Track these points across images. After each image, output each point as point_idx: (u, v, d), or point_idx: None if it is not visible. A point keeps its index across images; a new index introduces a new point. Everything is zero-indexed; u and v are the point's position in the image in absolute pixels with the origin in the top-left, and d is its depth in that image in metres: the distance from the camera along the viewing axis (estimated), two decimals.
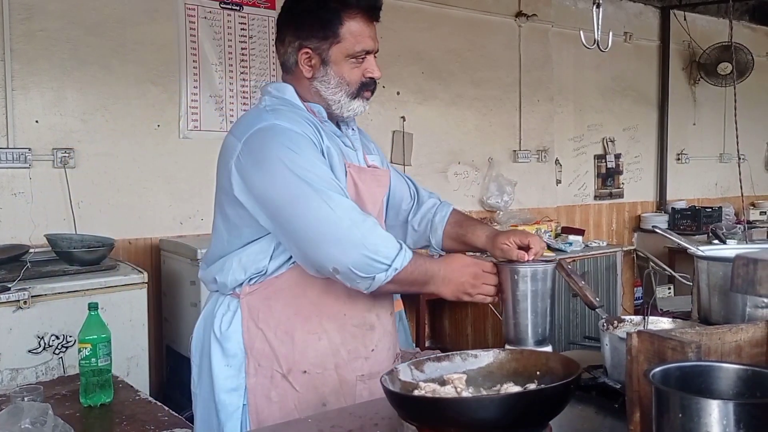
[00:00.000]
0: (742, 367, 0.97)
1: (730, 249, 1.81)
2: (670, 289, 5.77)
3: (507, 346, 1.49)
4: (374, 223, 1.48)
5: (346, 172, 1.57)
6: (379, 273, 1.43)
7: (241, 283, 1.58)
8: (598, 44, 2.29)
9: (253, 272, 1.57)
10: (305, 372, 1.57)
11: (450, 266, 1.53)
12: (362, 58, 1.58)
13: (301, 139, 1.50)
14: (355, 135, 1.71)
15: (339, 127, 1.67)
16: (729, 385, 0.96)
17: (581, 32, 2.40)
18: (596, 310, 1.55)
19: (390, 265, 1.43)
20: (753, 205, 6.82)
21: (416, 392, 1.16)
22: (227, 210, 1.59)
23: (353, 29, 1.56)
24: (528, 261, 1.58)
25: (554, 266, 1.58)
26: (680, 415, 0.86)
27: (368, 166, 1.70)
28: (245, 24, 4.08)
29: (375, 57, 1.62)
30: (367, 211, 1.55)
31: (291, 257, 1.55)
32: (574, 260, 4.65)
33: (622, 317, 1.55)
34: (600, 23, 2.22)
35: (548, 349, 1.49)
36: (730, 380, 0.96)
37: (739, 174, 2.36)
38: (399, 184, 1.87)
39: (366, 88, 1.61)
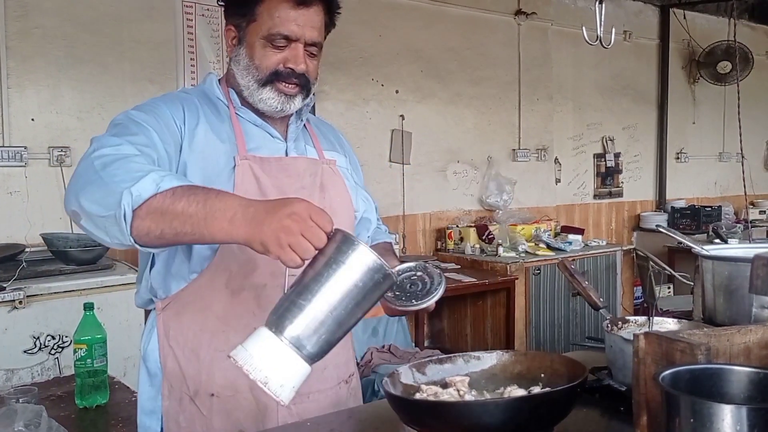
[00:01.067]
0: (754, 370, 0.95)
1: (735, 248, 1.79)
2: (669, 288, 5.76)
3: (263, 329, 1.05)
4: (127, 154, 1.22)
5: (234, 163, 1.39)
6: (122, 201, 1.11)
7: (152, 299, 1.47)
8: (600, 41, 2.26)
9: (157, 288, 1.45)
10: (213, 395, 1.40)
11: (260, 204, 1.10)
12: (281, 44, 1.39)
13: (147, 106, 1.40)
14: (299, 126, 1.53)
15: (270, 118, 1.50)
16: (740, 388, 0.94)
17: (583, 28, 2.37)
18: (600, 310, 1.53)
19: (132, 186, 1.12)
20: (752, 204, 6.81)
21: (418, 395, 1.13)
22: None
23: (271, 9, 1.38)
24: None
25: (394, 281, 1.09)
26: (692, 420, 0.84)
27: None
28: None
29: (311, 48, 1.43)
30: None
31: (193, 269, 1.40)
32: (573, 260, 4.63)
33: (626, 318, 1.52)
34: (602, 19, 2.19)
35: (306, 369, 1.04)
36: (741, 383, 0.94)
37: (743, 173, 2.34)
38: (367, 204, 1.69)
39: (282, 78, 1.40)
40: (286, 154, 1.49)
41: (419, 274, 1.32)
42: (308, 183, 1.48)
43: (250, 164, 1.40)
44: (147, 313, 1.59)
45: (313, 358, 1.04)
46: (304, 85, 1.44)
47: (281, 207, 1.05)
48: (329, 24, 1.48)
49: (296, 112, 1.50)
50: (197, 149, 1.39)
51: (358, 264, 1.03)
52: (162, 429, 1.46)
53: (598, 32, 2.25)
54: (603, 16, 2.19)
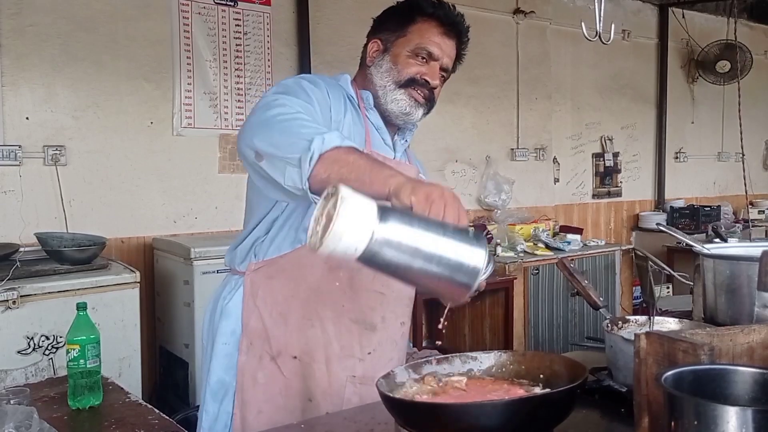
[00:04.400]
0: (758, 370, 0.93)
1: (737, 247, 1.77)
2: (668, 288, 5.74)
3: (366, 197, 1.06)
4: (305, 116, 1.34)
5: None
6: (304, 152, 1.20)
7: (246, 261, 1.58)
8: (599, 37, 2.24)
9: (257, 250, 1.57)
10: (295, 357, 1.53)
11: (421, 180, 1.22)
12: (424, 59, 1.60)
13: (312, 83, 1.51)
14: (404, 145, 1.73)
15: (389, 126, 1.68)
16: (745, 389, 0.91)
17: (582, 24, 2.35)
18: (599, 310, 1.51)
19: (314, 139, 1.21)
20: (751, 204, 6.79)
21: (416, 397, 1.11)
22: (248, 192, 1.62)
23: (422, 31, 1.61)
24: None
25: (467, 290, 1.13)
26: (695, 422, 0.82)
27: None
28: (240, 20, 4.03)
29: (443, 72, 1.64)
30: None
31: (295, 237, 1.52)
32: (572, 259, 4.60)
33: (627, 317, 1.50)
34: (602, 15, 2.17)
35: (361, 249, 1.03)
36: (746, 384, 0.92)
37: (743, 172, 2.31)
38: None
39: (417, 85, 1.60)
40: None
41: None
42: None
43: (375, 155, 1.52)
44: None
45: (368, 255, 1.04)
46: (430, 99, 1.64)
47: (440, 185, 1.16)
48: (457, 60, 1.69)
49: (400, 131, 1.70)
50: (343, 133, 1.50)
51: (470, 253, 1.07)
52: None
53: (598, 28, 2.23)
54: (602, 12, 2.17)
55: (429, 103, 1.64)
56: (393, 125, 1.68)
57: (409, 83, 1.60)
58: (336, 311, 1.54)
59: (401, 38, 1.62)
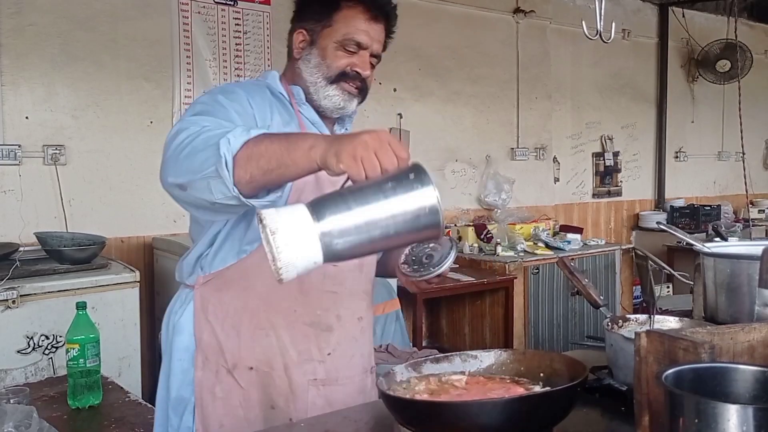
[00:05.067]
0: (759, 369, 0.92)
1: (737, 246, 1.77)
2: (668, 287, 5.73)
3: (300, 205, 1.04)
4: (214, 127, 1.27)
5: None
6: (221, 150, 1.16)
7: (194, 274, 1.55)
8: (600, 35, 2.24)
9: (203, 264, 1.53)
10: (251, 368, 1.50)
11: (345, 135, 1.16)
12: (352, 50, 1.53)
13: (229, 93, 1.46)
14: (343, 133, 1.63)
15: (326, 120, 1.61)
16: (746, 388, 0.91)
17: (583, 22, 2.34)
18: (600, 308, 1.50)
19: (221, 140, 1.17)
20: (752, 203, 6.78)
21: (416, 396, 1.10)
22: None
23: (348, 18, 1.53)
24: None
25: (437, 231, 1.09)
26: (696, 421, 0.81)
27: None
28: (239, 19, 4.03)
29: (373, 59, 1.57)
30: (323, 190, 1.40)
31: (240, 249, 1.49)
32: (572, 259, 4.60)
33: (627, 316, 1.50)
34: (602, 14, 2.17)
35: (318, 258, 1.02)
36: (747, 383, 0.91)
37: (744, 171, 2.31)
38: None
39: (347, 78, 1.54)
40: None
41: (432, 244, 1.42)
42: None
43: None
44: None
45: (330, 256, 1.02)
46: (363, 89, 1.58)
47: (362, 131, 1.11)
48: (385, 45, 1.62)
49: (339, 121, 1.64)
50: None
51: (420, 197, 1.04)
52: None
53: (598, 26, 2.22)
54: (603, 9, 2.17)
55: (362, 92, 1.58)
56: (329, 117, 1.62)
57: (340, 77, 1.54)
58: (288, 318, 1.51)
59: (327, 28, 1.54)
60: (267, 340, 1.49)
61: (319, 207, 1.02)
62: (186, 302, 1.55)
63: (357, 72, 1.54)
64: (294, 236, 0.99)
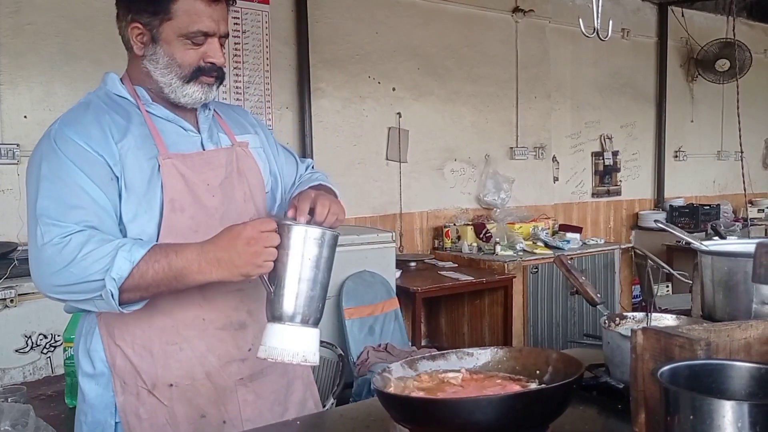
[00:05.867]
0: (755, 365, 0.92)
1: (735, 244, 1.77)
2: (668, 287, 5.73)
3: (269, 324, 1.30)
4: (85, 240, 1.30)
5: (158, 164, 1.41)
6: (101, 290, 1.28)
7: None
8: (597, 33, 2.24)
9: None
10: (172, 385, 1.45)
11: (217, 243, 1.31)
12: (200, 41, 1.43)
13: (68, 149, 1.37)
14: (208, 116, 1.56)
15: (184, 110, 1.52)
16: (741, 384, 0.90)
17: (580, 20, 2.34)
18: (597, 306, 1.50)
19: (104, 278, 1.27)
20: (751, 202, 6.78)
21: (412, 394, 1.10)
22: None
23: (187, 7, 1.40)
24: (306, 221, 1.37)
25: (336, 234, 1.33)
26: (691, 417, 0.81)
27: (234, 146, 1.57)
28: (238, 19, 4.02)
29: (222, 40, 1.47)
30: (199, 197, 1.44)
31: None
32: (572, 258, 4.60)
33: (624, 314, 1.49)
34: (600, 11, 2.17)
35: (315, 331, 1.30)
36: (742, 379, 0.90)
37: (742, 171, 2.31)
38: (286, 162, 1.73)
39: (205, 73, 1.45)
40: (203, 146, 1.52)
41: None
42: (229, 172, 1.53)
43: (173, 162, 1.43)
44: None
45: (315, 322, 1.31)
46: (221, 75, 1.49)
47: (235, 239, 1.29)
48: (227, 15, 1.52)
49: (201, 108, 1.54)
50: (126, 166, 1.40)
51: (297, 239, 1.30)
52: (118, 422, 1.46)
53: (596, 24, 2.22)
54: (600, 8, 2.16)
55: (219, 79, 1.49)
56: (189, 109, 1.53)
57: (197, 73, 1.44)
58: (198, 327, 1.46)
59: (167, 21, 1.40)
60: (182, 354, 1.45)
61: (273, 314, 1.30)
62: (91, 328, 1.47)
63: (212, 63, 1.45)
64: (294, 344, 1.28)
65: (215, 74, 1.47)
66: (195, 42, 1.42)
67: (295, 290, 1.28)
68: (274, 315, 1.29)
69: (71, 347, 1.99)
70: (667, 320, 1.46)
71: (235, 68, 4.01)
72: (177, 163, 1.43)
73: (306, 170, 1.78)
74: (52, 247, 1.29)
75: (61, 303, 1.41)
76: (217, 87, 1.51)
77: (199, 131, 1.53)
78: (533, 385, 1.11)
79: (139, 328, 1.44)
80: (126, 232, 1.38)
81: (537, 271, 4.55)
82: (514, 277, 4.40)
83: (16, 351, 2.75)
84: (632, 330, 1.07)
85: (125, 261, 1.27)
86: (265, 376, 1.54)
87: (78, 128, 1.40)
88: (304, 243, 1.29)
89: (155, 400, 1.44)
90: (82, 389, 1.48)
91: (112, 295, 1.27)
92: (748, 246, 1.62)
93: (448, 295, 4.49)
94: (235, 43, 4.01)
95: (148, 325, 1.44)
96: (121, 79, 1.52)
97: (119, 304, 1.30)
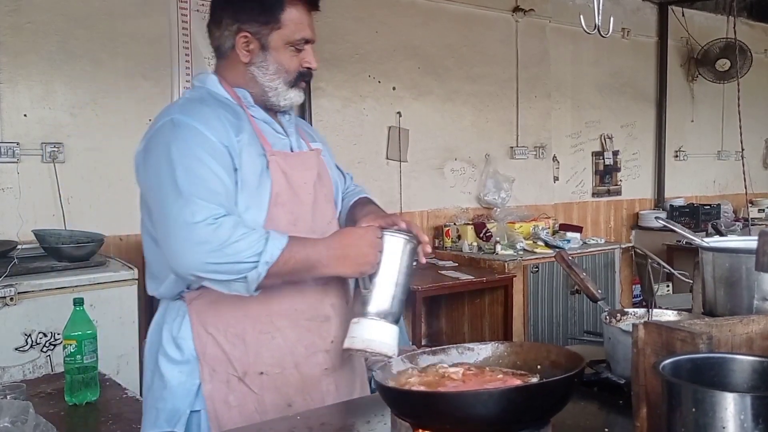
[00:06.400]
0: (757, 359, 0.91)
1: (735, 240, 1.76)
2: (668, 286, 5.73)
3: (363, 320, 1.43)
4: (235, 224, 1.38)
5: (267, 160, 1.51)
6: (249, 271, 1.36)
7: (180, 290, 1.53)
8: (598, 29, 2.23)
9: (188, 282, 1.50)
10: (262, 373, 1.51)
11: (342, 242, 1.47)
12: (301, 47, 1.56)
13: (195, 137, 1.44)
14: (291, 122, 1.66)
15: (272, 114, 1.62)
16: (744, 378, 0.90)
17: (581, 16, 2.34)
18: (598, 302, 1.50)
19: (259, 260, 1.35)
20: (751, 202, 6.78)
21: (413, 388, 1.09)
22: (145, 215, 1.55)
23: (294, 16, 1.54)
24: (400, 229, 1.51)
25: (414, 244, 1.50)
26: (693, 410, 0.80)
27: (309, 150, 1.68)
28: None
29: (312, 48, 1.60)
30: (298, 193, 1.54)
31: None
32: (572, 257, 4.60)
33: (625, 310, 1.49)
34: (601, 7, 2.16)
35: (397, 328, 1.46)
36: (744, 373, 0.90)
37: (743, 170, 2.30)
38: (338, 178, 1.81)
39: (303, 78, 1.59)
40: (291, 148, 1.62)
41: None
42: (317, 174, 1.64)
43: (277, 160, 1.54)
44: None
45: (396, 319, 1.45)
46: (310, 80, 1.62)
47: (359, 240, 1.46)
48: None
49: (280, 112, 1.64)
50: (243, 160, 1.49)
51: (397, 247, 1.46)
52: (199, 410, 1.51)
53: (596, 20, 2.21)
54: (601, 5, 2.16)
55: (308, 83, 1.65)
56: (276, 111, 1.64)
57: (300, 79, 1.58)
58: (290, 317, 1.54)
59: (276, 31, 1.53)
60: (273, 343, 1.52)
61: (364, 309, 1.45)
62: (180, 315, 1.53)
63: (309, 68, 1.58)
64: (379, 337, 1.42)
65: (309, 78, 1.60)
66: (297, 49, 1.55)
67: (391, 292, 1.44)
68: (369, 311, 1.42)
69: (71, 344, 1.98)
70: (669, 316, 1.46)
71: None
72: (280, 160, 1.54)
73: (351, 182, 1.90)
74: (207, 227, 1.35)
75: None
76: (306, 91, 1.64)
77: (287, 134, 1.63)
78: (534, 380, 1.10)
79: (234, 317, 1.51)
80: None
81: (537, 271, 4.55)
82: (515, 276, 4.40)
83: (16, 349, 2.75)
84: (634, 324, 1.07)
85: (276, 248, 1.36)
86: (342, 369, 1.62)
87: (200, 119, 1.47)
88: (402, 251, 1.46)
89: (245, 387, 1.50)
90: (164, 376, 1.52)
91: (259, 277, 1.36)
92: (749, 242, 1.62)
93: (448, 294, 4.48)
94: None
95: (243, 314, 1.51)
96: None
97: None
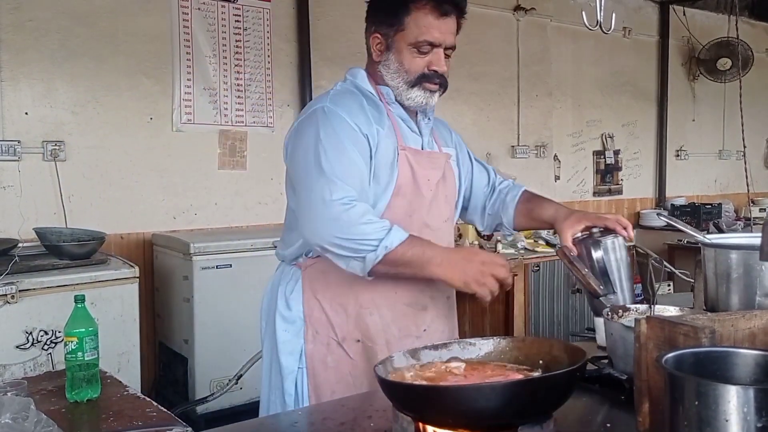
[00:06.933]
0: (760, 352, 0.91)
1: (737, 237, 1.76)
2: (669, 285, 5.72)
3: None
4: (366, 210, 1.52)
5: (397, 153, 1.64)
6: (369, 252, 1.47)
7: (299, 256, 1.70)
8: (600, 26, 2.23)
9: (308, 251, 1.67)
10: (359, 341, 1.65)
11: (457, 253, 1.57)
12: (426, 50, 1.63)
13: (341, 125, 1.57)
14: (428, 124, 1.77)
15: (411, 113, 1.73)
16: (746, 371, 0.90)
17: (583, 13, 2.34)
18: (600, 298, 1.50)
19: (378, 245, 1.46)
20: (753, 201, 6.77)
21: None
22: (290, 189, 1.71)
23: (419, 20, 1.62)
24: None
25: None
26: (696, 403, 0.80)
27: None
28: (240, 16, 4.02)
29: (448, 51, 1.67)
30: (419, 188, 1.66)
31: None
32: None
33: (627, 306, 1.49)
34: (602, 5, 2.16)
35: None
36: (747, 367, 0.90)
37: (745, 170, 2.30)
38: (479, 173, 1.98)
39: (428, 80, 1.65)
40: (422, 146, 1.74)
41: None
42: (442, 174, 1.77)
43: (406, 154, 1.66)
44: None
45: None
46: (443, 83, 1.69)
47: (474, 256, 1.53)
48: (459, 28, 1.72)
49: (421, 111, 1.75)
50: (379, 150, 1.64)
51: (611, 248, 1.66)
52: (301, 367, 1.67)
53: (598, 17, 2.21)
54: (603, 2, 2.16)
55: (442, 86, 1.69)
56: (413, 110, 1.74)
57: (421, 79, 1.65)
58: (390, 298, 1.66)
59: (400, 32, 1.63)
60: (371, 318, 1.65)
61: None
62: (293, 279, 1.69)
63: (434, 70, 1.65)
64: None
65: (438, 82, 1.67)
66: (421, 51, 1.63)
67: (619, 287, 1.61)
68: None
69: (72, 341, 1.98)
70: (670, 311, 1.46)
71: (236, 66, 4.01)
72: (409, 155, 1.67)
73: (497, 178, 2.03)
74: (341, 206, 1.49)
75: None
76: (440, 94, 1.71)
77: (420, 134, 1.74)
78: (536, 375, 1.10)
79: (340, 288, 1.65)
80: None
81: (538, 270, 4.54)
82: (516, 275, 4.38)
83: (17, 347, 2.75)
84: (636, 319, 1.07)
85: (396, 238, 1.48)
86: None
87: (348, 110, 1.61)
88: (613, 250, 1.65)
89: (342, 352, 1.66)
90: (276, 333, 1.68)
91: (376, 260, 1.47)
92: (750, 239, 1.62)
93: None
94: (236, 41, 4.01)
95: (349, 287, 1.65)
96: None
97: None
